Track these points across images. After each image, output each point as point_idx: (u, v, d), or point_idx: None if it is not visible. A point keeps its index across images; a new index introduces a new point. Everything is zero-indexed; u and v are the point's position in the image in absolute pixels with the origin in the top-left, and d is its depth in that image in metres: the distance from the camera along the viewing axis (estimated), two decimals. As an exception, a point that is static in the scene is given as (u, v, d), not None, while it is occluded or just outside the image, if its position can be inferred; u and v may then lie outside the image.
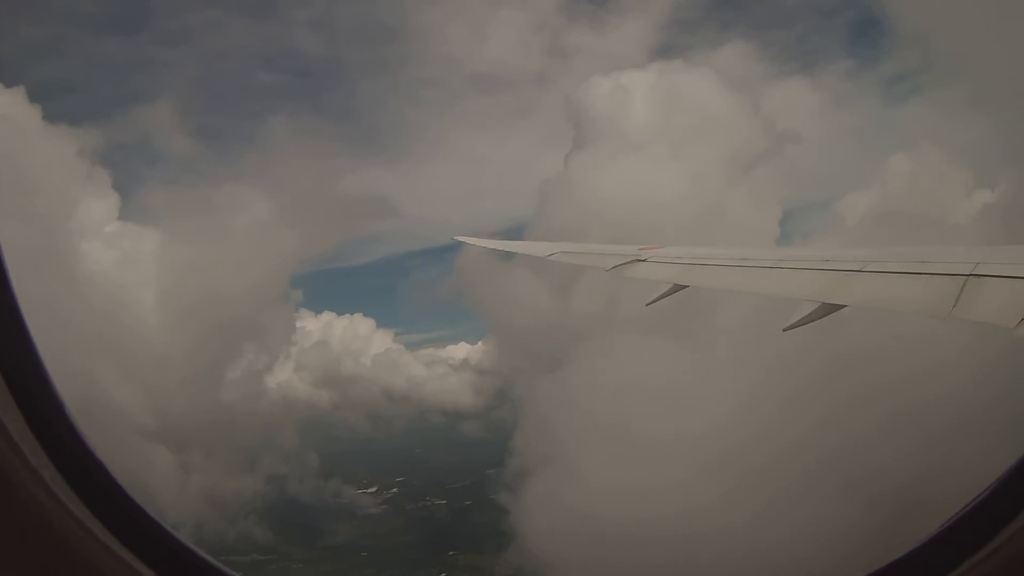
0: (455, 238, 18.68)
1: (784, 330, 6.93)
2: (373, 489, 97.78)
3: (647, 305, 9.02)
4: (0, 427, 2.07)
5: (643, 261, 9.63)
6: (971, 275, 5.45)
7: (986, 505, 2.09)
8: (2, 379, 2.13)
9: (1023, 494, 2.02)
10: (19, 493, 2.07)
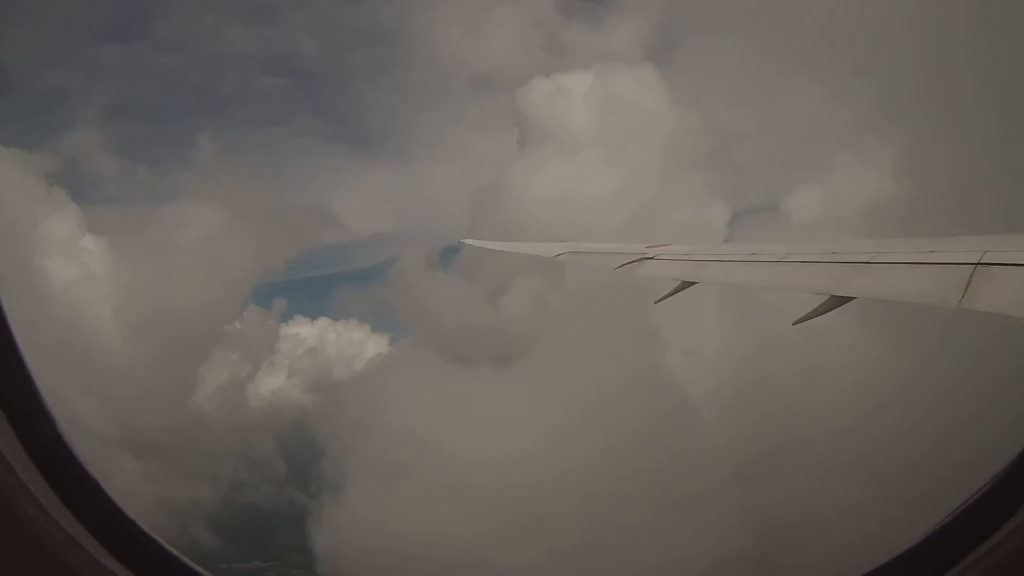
0: (460, 241, 18.81)
1: (794, 324, 6.96)
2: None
3: (656, 303, 9.05)
4: None
5: (650, 259, 9.66)
6: (979, 264, 5.45)
7: (985, 501, 2.11)
8: None
9: (1020, 491, 2.04)
10: (10, 507, 2.07)
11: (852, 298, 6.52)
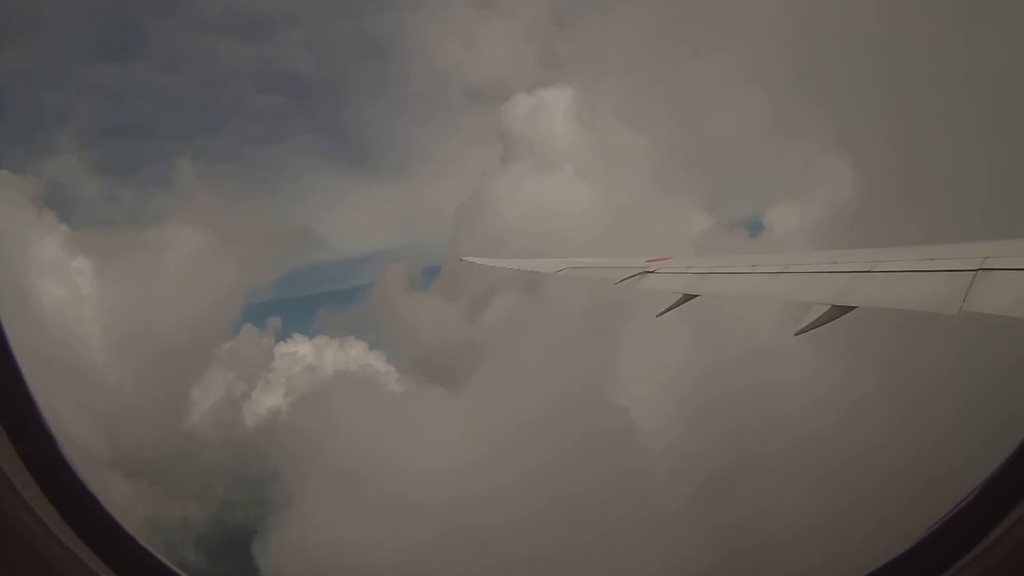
0: (463, 259, 18.93)
1: (796, 334, 6.93)
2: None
3: (658, 316, 9.03)
4: None
5: (652, 273, 9.66)
6: (980, 270, 5.45)
7: (974, 506, 2.10)
8: None
9: (1009, 496, 2.03)
10: (10, 522, 2.08)
11: (854, 307, 6.51)
